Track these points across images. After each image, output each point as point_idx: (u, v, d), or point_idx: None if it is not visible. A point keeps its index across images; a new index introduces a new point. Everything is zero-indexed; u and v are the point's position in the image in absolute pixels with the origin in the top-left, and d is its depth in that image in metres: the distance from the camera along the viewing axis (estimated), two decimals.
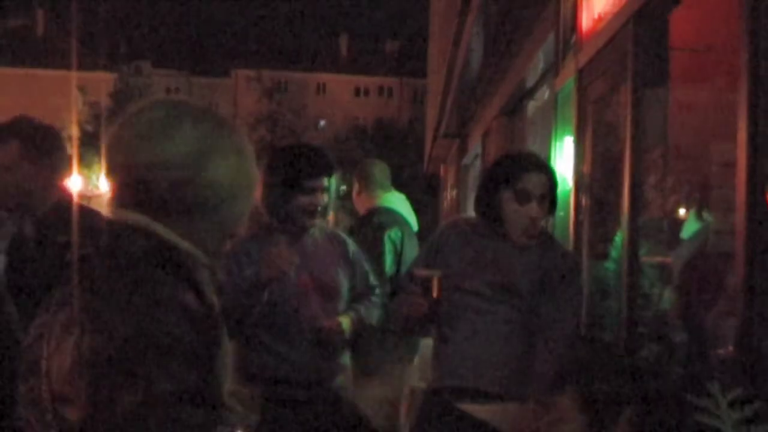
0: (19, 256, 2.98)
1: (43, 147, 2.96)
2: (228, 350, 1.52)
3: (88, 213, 2.93)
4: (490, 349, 2.85)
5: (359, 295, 3.35)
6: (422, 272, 2.87)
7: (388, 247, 4.57)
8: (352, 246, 3.39)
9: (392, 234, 4.60)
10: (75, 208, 2.94)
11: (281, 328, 3.07)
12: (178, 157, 1.45)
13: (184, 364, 1.33)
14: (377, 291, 3.44)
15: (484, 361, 2.84)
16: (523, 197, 2.86)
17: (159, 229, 1.46)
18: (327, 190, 3.19)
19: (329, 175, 3.20)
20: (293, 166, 3.13)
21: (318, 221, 3.21)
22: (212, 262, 1.52)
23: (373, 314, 3.38)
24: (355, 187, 4.91)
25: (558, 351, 2.81)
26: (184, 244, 1.47)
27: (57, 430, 1.33)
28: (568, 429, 2.38)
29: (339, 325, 3.15)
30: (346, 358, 3.28)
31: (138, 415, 1.28)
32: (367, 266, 3.43)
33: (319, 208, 3.17)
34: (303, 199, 3.12)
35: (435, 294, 2.82)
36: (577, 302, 2.95)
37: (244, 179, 1.54)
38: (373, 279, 3.44)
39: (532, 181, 2.86)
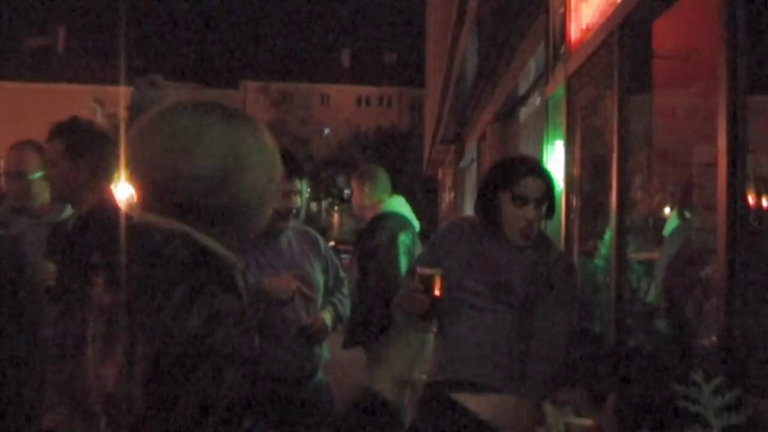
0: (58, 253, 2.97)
1: (82, 147, 2.95)
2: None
3: (123, 219, 2.91)
4: (487, 345, 2.84)
5: (332, 288, 3.37)
6: (424, 271, 2.86)
7: (401, 250, 4.56)
8: (322, 241, 3.38)
9: (404, 237, 4.60)
10: (113, 213, 2.92)
11: (266, 327, 3.02)
12: (206, 169, 1.33)
13: (238, 370, 1.24)
14: (345, 283, 3.47)
15: (482, 356, 2.83)
16: (520, 201, 2.85)
17: (197, 235, 1.35)
18: (299, 192, 3.15)
19: (300, 178, 3.16)
20: None
21: (289, 225, 3.17)
22: (244, 266, 1.43)
23: (346, 306, 3.41)
24: (362, 191, 4.85)
25: (552, 352, 2.80)
26: (222, 250, 1.37)
27: (106, 426, 1.27)
28: (583, 423, 2.36)
29: (324, 321, 3.17)
30: (326, 353, 3.26)
31: (195, 420, 1.21)
32: (336, 260, 3.43)
33: (294, 211, 3.14)
34: (276, 203, 3.07)
35: (436, 292, 2.81)
36: (572, 304, 2.93)
37: (272, 182, 1.43)
38: (341, 272, 3.45)
39: (529, 186, 2.85)
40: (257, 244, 3.05)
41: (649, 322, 3.41)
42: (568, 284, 2.90)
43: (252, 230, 1.45)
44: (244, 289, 1.40)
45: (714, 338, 2.35)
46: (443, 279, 2.82)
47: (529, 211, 2.85)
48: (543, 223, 3.05)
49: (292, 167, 3.14)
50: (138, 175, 1.38)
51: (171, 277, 1.30)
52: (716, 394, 1.65)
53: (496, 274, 2.88)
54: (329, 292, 3.34)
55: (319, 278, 3.25)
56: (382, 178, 4.91)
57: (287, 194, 3.11)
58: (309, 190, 3.37)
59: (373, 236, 4.64)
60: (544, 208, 2.90)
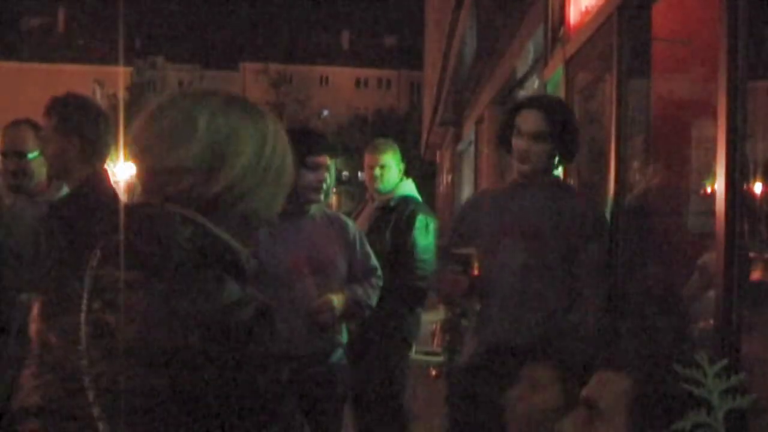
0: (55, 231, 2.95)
1: (72, 123, 2.94)
2: None
3: (107, 199, 2.89)
4: (528, 304, 2.86)
5: (360, 277, 3.27)
6: (460, 251, 2.82)
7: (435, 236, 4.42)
8: (352, 228, 3.30)
9: (434, 224, 4.43)
10: (102, 192, 2.89)
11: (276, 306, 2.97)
12: (194, 159, 1.36)
13: (244, 350, 1.31)
14: (378, 273, 3.35)
15: (526, 317, 2.85)
16: (518, 134, 2.97)
17: (206, 222, 1.37)
18: (329, 169, 3.13)
19: (330, 154, 3.14)
20: (297, 144, 2.99)
21: (321, 199, 3.14)
22: (246, 251, 1.43)
23: (372, 296, 3.29)
24: (397, 166, 4.58)
25: (593, 309, 2.88)
26: (225, 235, 1.38)
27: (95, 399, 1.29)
28: (540, 399, 2.27)
29: (329, 302, 3.04)
30: (342, 335, 3.20)
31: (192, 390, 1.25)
32: (368, 248, 3.34)
33: (324, 186, 3.10)
34: (309, 176, 3.04)
35: (474, 271, 2.79)
36: (602, 257, 3.01)
37: (269, 167, 1.43)
38: (373, 261, 3.35)
39: (524, 118, 2.98)
40: (279, 221, 3.00)
41: (646, 304, 3.39)
42: (597, 237, 2.97)
43: (258, 215, 1.45)
44: (248, 273, 1.42)
45: (711, 321, 2.34)
46: (478, 256, 2.83)
47: (524, 142, 2.95)
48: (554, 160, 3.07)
49: (322, 142, 3.17)
50: (138, 164, 1.42)
51: (191, 261, 1.32)
52: (720, 376, 1.64)
53: (527, 224, 2.93)
54: (356, 280, 3.24)
55: (341, 263, 3.17)
56: None
57: (318, 167, 3.08)
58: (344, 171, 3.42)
59: (409, 222, 4.33)
60: (548, 144, 2.95)
